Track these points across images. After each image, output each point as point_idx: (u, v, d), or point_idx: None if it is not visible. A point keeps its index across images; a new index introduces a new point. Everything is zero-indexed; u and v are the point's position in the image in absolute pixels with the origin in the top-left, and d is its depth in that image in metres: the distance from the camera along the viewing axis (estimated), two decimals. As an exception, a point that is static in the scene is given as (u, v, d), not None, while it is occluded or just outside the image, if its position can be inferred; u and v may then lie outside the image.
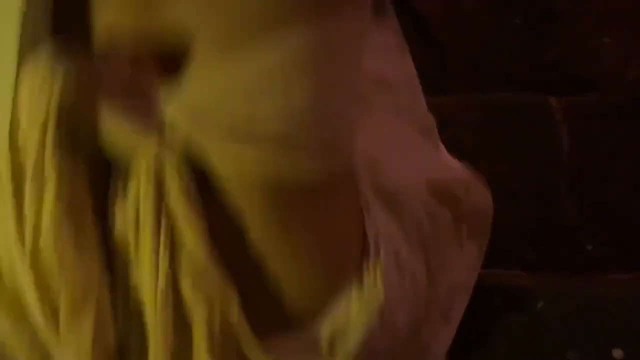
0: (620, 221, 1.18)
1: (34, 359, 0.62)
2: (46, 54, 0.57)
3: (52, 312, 0.60)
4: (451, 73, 1.41)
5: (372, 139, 0.73)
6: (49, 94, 0.57)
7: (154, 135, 0.59)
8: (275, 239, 0.63)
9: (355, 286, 0.68)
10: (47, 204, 0.58)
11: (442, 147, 0.93)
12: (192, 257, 0.60)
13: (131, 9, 0.58)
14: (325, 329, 0.67)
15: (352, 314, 0.67)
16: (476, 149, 1.22)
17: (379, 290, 0.68)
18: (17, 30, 0.57)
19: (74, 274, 0.59)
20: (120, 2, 0.59)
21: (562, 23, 1.47)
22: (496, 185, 1.21)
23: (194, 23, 0.58)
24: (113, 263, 0.61)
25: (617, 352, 1.01)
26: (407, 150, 0.83)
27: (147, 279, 0.60)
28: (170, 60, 0.59)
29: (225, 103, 0.59)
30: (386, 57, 0.86)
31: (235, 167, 0.61)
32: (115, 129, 0.59)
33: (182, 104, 0.59)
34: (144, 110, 0.59)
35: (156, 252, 0.60)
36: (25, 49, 0.57)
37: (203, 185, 0.61)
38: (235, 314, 0.62)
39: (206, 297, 0.61)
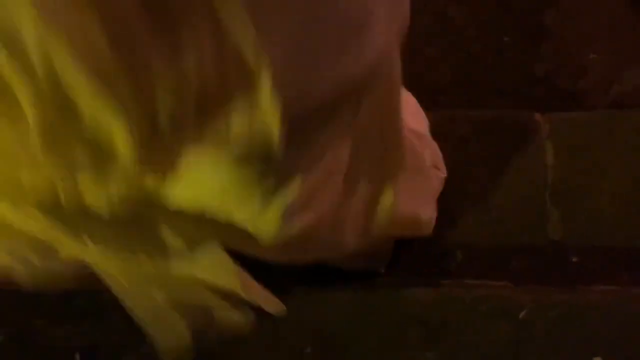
0: (604, 234, 1.21)
1: None
2: None
3: None
4: (440, 88, 1.44)
5: None
6: None
7: None
8: None
9: None
10: None
11: None
12: None
13: None
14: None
15: None
16: (463, 163, 1.25)
17: None
18: None
19: None
20: None
21: (549, 40, 1.49)
22: (483, 198, 1.24)
23: None
24: None
25: (597, 360, 1.05)
26: None
27: None
28: None
29: None
30: None
31: None
32: None
33: None
34: None
35: None
36: None
37: None
38: None
39: None
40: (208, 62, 0.59)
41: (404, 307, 1.13)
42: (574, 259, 1.19)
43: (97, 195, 0.65)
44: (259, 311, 0.95)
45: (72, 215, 0.68)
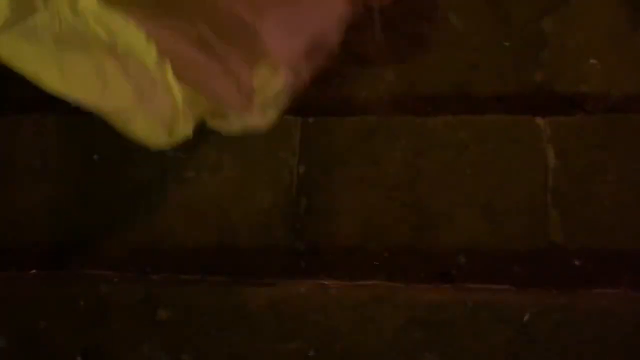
0: (606, 237, 1.21)
1: None
2: None
3: None
4: (440, 94, 1.44)
5: None
6: None
7: None
8: None
9: None
10: None
11: None
12: None
13: None
14: None
15: None
16: (464, 168, 1.25)
17: None
18: None
19: None
20: None
21: (550, 45, 1.49)
22: (484, 203, 1.24)
23: None
24: None
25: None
26: None
27: None
28: None
29: None
30: None
31: None
32: None
33: None
34: None
35: None
36: None
37: None
38: None
39: None
40: None
41: (406, 310, 1.13)
42: (576, 263, 1.19)
43: None
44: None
45: None
